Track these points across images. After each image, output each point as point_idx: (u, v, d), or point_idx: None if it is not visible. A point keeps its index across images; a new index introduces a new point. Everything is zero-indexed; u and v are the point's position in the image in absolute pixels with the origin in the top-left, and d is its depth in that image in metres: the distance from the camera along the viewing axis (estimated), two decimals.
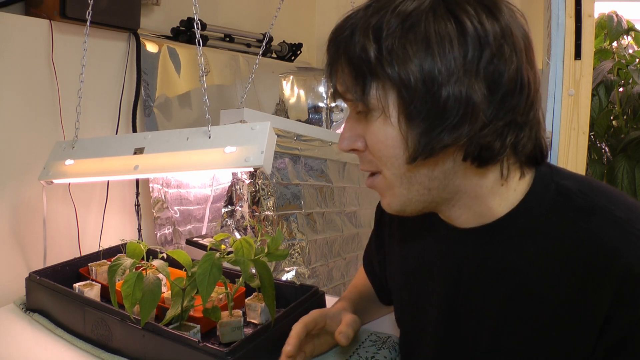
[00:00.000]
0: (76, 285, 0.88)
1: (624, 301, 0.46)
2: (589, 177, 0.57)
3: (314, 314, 0.70)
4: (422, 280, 0.65)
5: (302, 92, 1.94)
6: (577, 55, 1.39)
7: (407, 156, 0.50)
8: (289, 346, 0.64)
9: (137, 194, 1.28)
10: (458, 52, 0.46)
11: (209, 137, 0.84)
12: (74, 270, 0.98)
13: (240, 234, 1.30)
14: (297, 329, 0.66)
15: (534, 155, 0.55)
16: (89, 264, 0.98)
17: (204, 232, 1.43)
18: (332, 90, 0.55)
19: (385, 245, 0.77)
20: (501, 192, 0.54)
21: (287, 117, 1.86)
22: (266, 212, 1.33)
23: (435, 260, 0.63)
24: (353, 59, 0.50)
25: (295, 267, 1.40)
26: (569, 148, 1.44)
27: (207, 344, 0.66)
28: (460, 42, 0.46)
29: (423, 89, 0.47)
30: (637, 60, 1.92)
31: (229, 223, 1.32)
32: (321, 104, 2.01)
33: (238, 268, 0.75)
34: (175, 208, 1.37)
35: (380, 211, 0.80)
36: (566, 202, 0.52)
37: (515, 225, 0.54)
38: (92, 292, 0.87)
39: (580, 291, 0.48)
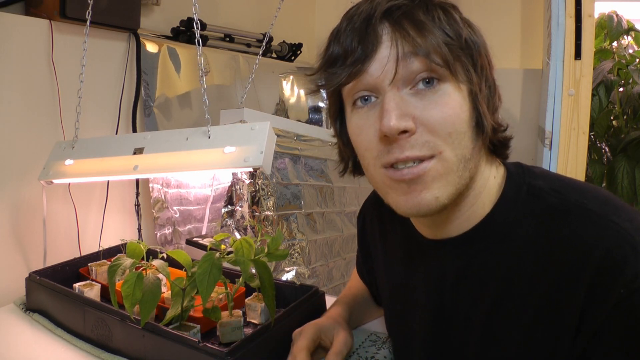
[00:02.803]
0: (76, 285, 0.88)
1: (596, 293, 0.45)
2: (562, 175, 0.57)
3: (309, 331, 0.68)
4: (408, 292, 0.65)
5: (302, 92, 1.94)
6: (577, 55, 1.39)
7: (476, 131, 0.51)
8: None
9: (137, 194, 1.28)
10: None
11: (209, 137, 0.84)
12: (74, 270, 0.98)
13: (240, 234, 1.30)
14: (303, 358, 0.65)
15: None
16: (89, 264, 0.98)
17: (204, 232, 1.43)
18: (401, 51, 0.49)
19: (371, 255, 0.77)
20: (489, 188, 0.55)
21: (287, 117, 1.85)
22: (266, 212, 1.33)
23: (418, 272, 0.63)
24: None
25: (295, 267, 1.40)
26: (569, 148, 1.44)
27: (207, 344, 0.66)
28: None
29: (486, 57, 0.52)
30: (637, 60, 1.91)
31: (229, 223, 1.32)
32: (321, 104, 2.01)
33: (238, 268, 0.75)
34: (175, 208, 1.37)
35: (362, 222, 0.79)
36: (540, 203, 0.52)
37: (491, 232, 0.54)
38: (92, 292, 0.87)
39: (559, 291, 0.48)
